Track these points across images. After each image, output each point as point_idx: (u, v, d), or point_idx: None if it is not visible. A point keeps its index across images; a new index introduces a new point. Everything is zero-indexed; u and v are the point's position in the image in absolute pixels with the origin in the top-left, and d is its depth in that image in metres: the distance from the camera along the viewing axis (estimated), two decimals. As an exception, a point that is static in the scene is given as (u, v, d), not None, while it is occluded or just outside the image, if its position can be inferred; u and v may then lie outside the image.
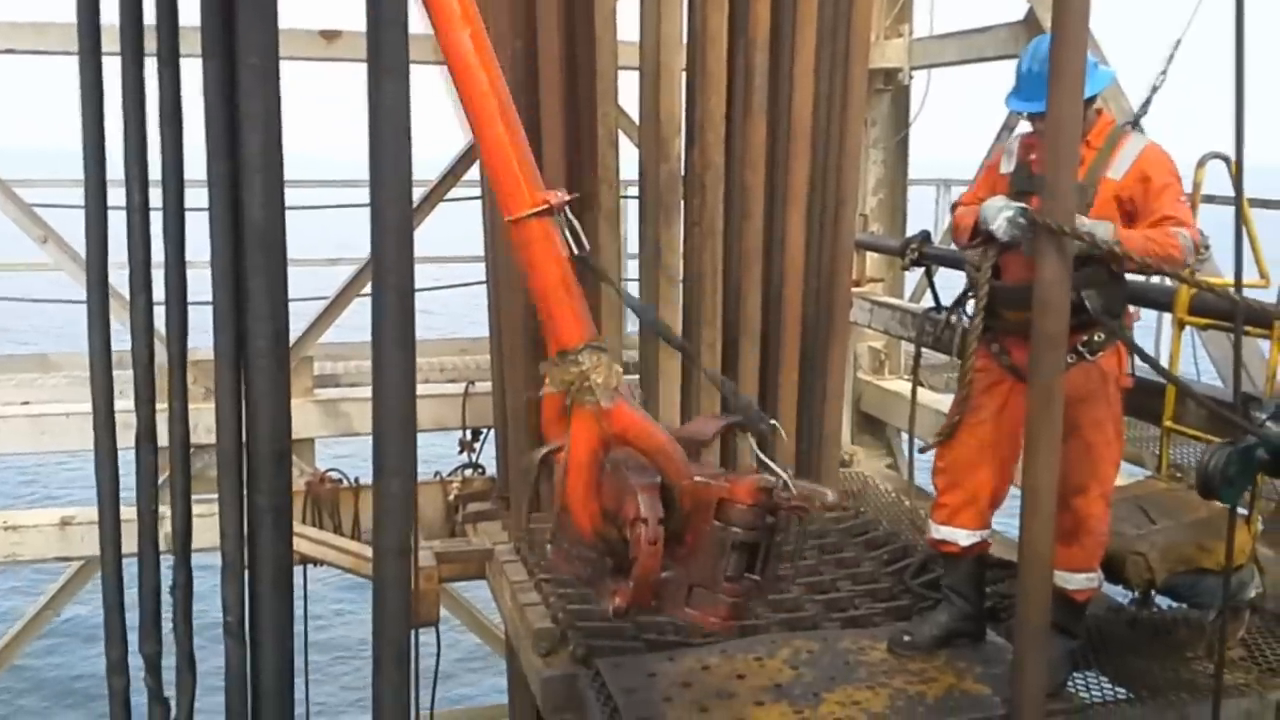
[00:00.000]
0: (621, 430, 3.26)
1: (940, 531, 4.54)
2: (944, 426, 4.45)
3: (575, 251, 3.23)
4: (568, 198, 3.19)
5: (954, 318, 4.61)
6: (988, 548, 4.63)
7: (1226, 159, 3.81)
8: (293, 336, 7.34)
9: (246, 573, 2.65)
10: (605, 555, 3.48)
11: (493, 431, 6.91)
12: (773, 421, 3.49)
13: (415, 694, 5.64)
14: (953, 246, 4.99)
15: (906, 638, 4.55)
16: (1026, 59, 4.19)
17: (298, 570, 6.84)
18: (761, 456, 3.42)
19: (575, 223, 3.22)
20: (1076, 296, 3.99)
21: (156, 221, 2.71)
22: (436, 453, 7.26)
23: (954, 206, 4.67)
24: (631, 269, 7.20)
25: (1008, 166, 4.38)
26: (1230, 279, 3.80)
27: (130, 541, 2.78)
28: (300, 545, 6.67)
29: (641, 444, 3.29)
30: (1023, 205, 4.01)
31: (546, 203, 3.13)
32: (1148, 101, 4.83)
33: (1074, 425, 4.00)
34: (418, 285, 4.66)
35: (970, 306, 4.46)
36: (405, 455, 2.48)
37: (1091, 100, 4.07)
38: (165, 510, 2.88)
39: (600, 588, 3.56)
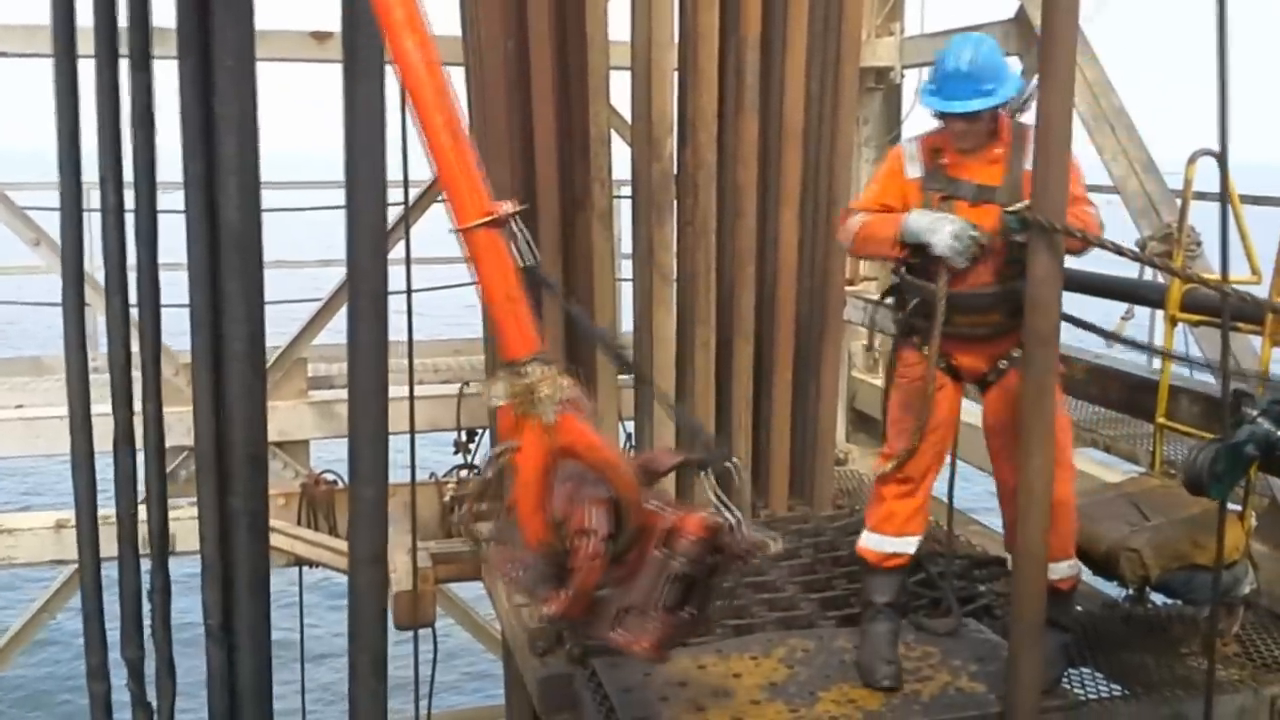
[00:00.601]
0: (569, 444, 3.21)
1: (890, 544, 4.38)
2: (905, 445, 4.29)
3: (524, 263, 3.20)
4: (516, 208, 3.16)
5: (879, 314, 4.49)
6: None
7: (1218, 155, 3.80)
8: (287, 338, 7.42)
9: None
10: (547, 563, 3.45)
11: (487, 432, 6.90)
12: (735, 460, 3.44)
13: (414, 694, 5.65)
14: None
15: (887, 669, 4.28)
16: (950, 59, 4.06)
17: (293, 571, 6.86)
18: (718, 495, 3.36)
19: (525, 234, 3.19)
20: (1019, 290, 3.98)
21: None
22: (429, 453, 7.24)
23: (846, 212, 4.52)
24: (625, 268, 7.19)
25: (914, 171, 4.24)
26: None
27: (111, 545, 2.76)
28: (295, 547, 6.68)
29: (590, 458, 3.25)
30: (967, 222, 3.95)
31: (493, 213, 3.10)
32: (1027, 99, 4.77)
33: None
34: (413, 286, 4.63)
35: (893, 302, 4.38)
36: (379, 462, 2.46)
37: (1003, 104, 4.08)
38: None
39: (535, 594, 3.52)
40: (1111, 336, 4.27)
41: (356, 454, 2.60)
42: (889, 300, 4.45)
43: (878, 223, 4.22)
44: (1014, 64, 4.22)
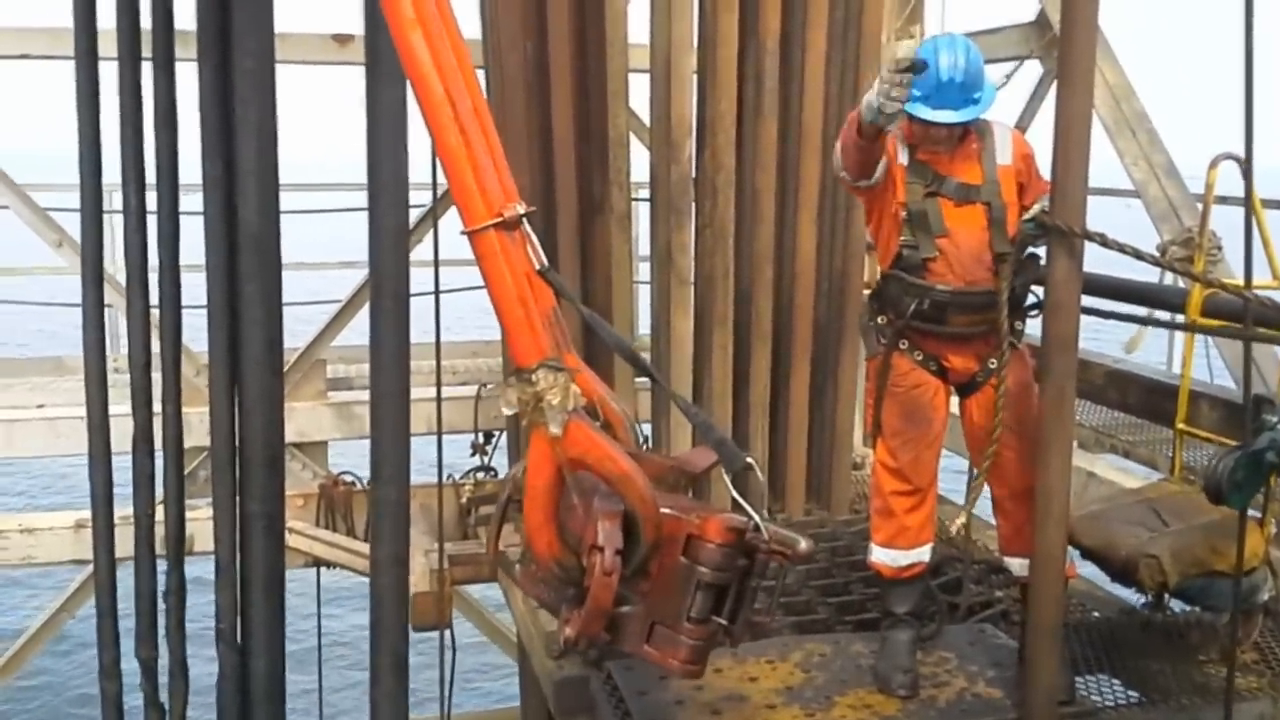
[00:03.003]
0: (579, 455, 3.07)
1: (905, 557, 4.34)
2: (911, 456, 4.25)
3: (536, 266, 3.12)
4: (525, 210, 3.08)
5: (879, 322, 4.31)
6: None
7: (1239, 160, 3.78)
8: (306, 339, 7.45)
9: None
10: (565, 582, 3.31)
11: (505, 434, 6.91)
12: (749, 460, 3.30)
13: (440, 697, 5.66)
14: None
15: (903, 677, 4.25)
16: (946, 68, 3.94)
17: (310, 573, 6.86)
18: (735, 495, 3.18)
19: (534, 237, 3.11)
20: (1015, 289, 3.99)
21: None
22: (445, 455, 7.26)
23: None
24: (643, 271, 7.19)
25: (903, 158, 4.14)
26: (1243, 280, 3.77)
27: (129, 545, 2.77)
28: (314, 548, 6.70)
29: (601, 470, 3.09)
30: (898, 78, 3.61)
31: (501, 214, 3.01)
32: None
33: (1024, 417, 3.97)
34: (437, 288, 4.62)
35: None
36: (401, 463, 2.46)
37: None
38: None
39: (561, 614, 3.42)
40: (1140, 321, 4.21)
41: (378, 456, 2.59)
42: (876, 304, 4.33)
43: (844, 130, 4.03)
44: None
